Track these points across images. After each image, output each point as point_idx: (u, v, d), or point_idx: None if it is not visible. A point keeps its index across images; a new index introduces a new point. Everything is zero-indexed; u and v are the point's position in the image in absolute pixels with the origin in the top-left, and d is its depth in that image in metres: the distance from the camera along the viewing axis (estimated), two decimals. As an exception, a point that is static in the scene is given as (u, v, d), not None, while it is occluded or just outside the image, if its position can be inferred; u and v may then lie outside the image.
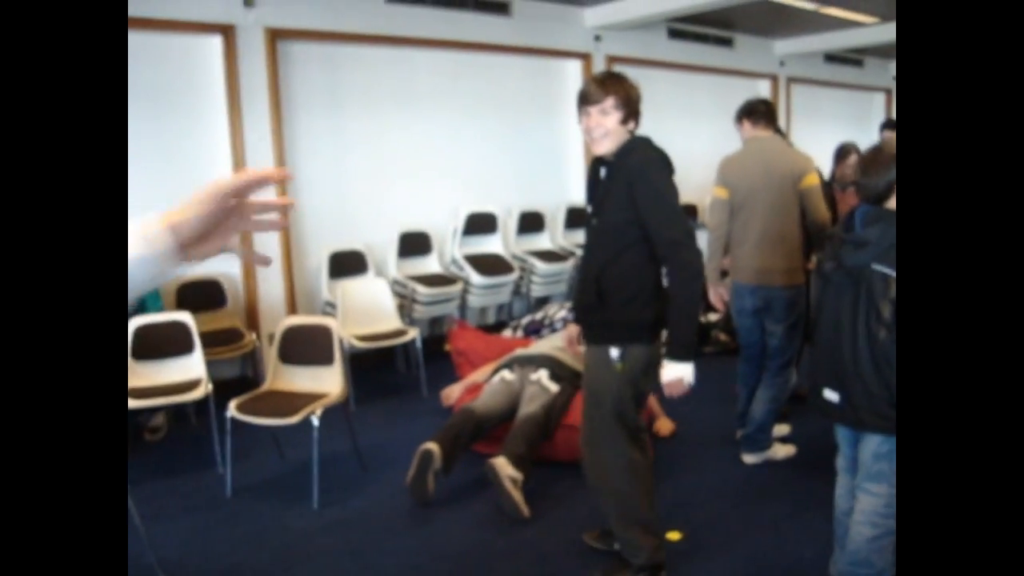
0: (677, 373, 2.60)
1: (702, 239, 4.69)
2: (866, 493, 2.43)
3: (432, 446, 3.58)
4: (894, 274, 2.24)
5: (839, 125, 9.48)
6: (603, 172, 2.71)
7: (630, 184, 2.57)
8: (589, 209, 2.79)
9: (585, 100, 2.62)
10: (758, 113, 3.90)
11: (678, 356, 2.59)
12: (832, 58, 9.90)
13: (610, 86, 2.60)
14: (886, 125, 6.20)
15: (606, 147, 2.65)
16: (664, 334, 2.69)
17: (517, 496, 3.42)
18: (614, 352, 2.68)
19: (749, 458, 3.94)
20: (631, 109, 2.62)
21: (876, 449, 2.38)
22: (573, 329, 3.11)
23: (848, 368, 2.37)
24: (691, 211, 7.57)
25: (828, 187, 4.64)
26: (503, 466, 3.46)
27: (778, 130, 4.18)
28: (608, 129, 2.61)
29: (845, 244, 2.39)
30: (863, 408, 2.35)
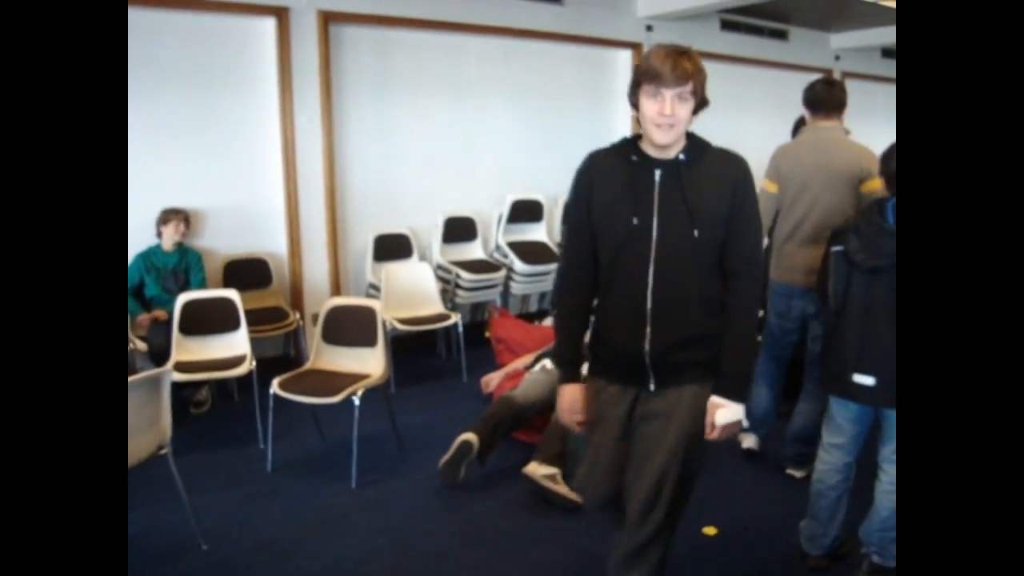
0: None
1: None
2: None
3: (471, 437, 3.61)
4: None
5: (895, 122, 9.28)
6: None
7: None
8: None
9: None
10: (817, 101, 3.57)
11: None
12: (890, 53, 9.67)
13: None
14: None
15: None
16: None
17: (560, 489, 3.43)
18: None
19: (798, 473, 3.69)
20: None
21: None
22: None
23: (888, 350, 2.52)
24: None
25: None
26: (535, 470, 3.50)
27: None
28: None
29: (883, 234, 2.53)
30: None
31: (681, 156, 2.14)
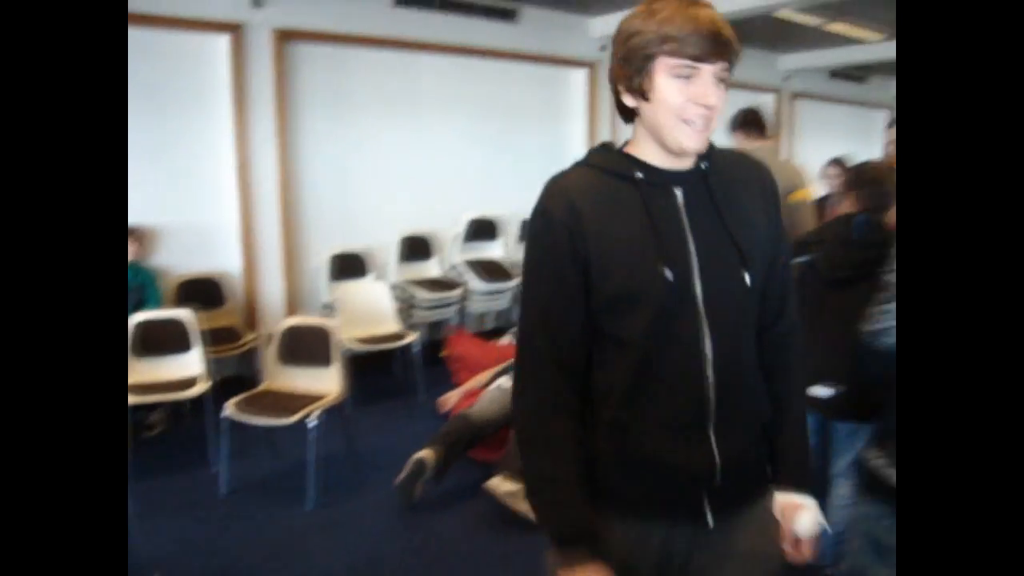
0: None
1: None
2: (848, 478, 2.70)
3: (426, 455, 3.59)
4: None
5: (842, 140, 9.51)
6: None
7: None
8: None
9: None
10: (750, 124, 3.83)
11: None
12: (836, 74, 9.94)
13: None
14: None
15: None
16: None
17: (522, 507, 3.42)
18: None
19: None
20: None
21: (848, 435, 2.68)
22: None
23: (847, 363, 2.49)
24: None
25: (822, 203, 4.64)
26: (498, 485, 3.49)
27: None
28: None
29: (848, 246, 2.61)
30: (864, 399, 2.43)
31: (703, 164, 1.41)
